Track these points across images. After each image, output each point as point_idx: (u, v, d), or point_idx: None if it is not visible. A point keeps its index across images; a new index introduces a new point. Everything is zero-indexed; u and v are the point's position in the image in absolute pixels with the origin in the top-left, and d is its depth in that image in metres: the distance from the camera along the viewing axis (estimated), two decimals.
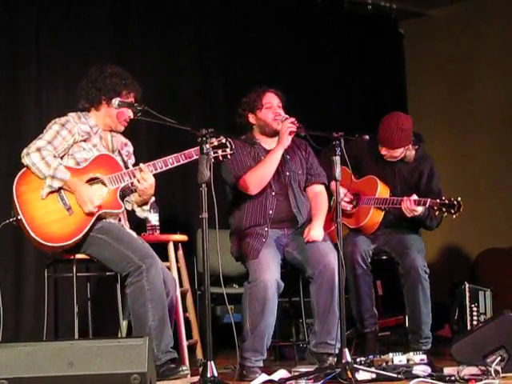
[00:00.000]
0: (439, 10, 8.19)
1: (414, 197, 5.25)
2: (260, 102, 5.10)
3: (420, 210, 5.26)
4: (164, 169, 4.55)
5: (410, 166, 5.56)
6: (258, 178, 4.97)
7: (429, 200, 5.20)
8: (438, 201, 5.17)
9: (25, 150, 4.43)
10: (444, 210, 5.15)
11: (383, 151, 5.50)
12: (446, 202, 5.15)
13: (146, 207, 4.71)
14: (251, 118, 5.14)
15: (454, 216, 5.15)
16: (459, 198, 5.13)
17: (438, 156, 7.49)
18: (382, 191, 5.47)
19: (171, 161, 4.55)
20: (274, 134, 5.10)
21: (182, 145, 4.58)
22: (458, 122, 8.00)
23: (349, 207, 5.50)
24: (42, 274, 4.72)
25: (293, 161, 5.15)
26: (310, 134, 4.94)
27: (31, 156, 4.40)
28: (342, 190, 5.36)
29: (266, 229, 4.96)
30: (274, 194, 5.02)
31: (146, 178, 4.50)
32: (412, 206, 5.23)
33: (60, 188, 4.42)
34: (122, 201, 4.58)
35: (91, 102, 4.62)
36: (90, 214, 4.42)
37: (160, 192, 4.70)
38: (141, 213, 4.72)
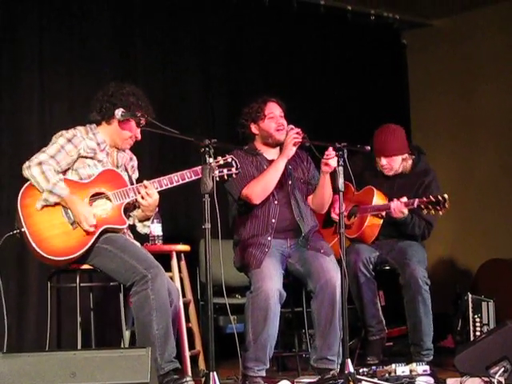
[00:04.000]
0: (442, 21, 8.20)
1: (404, 199, 5.26)
2: (262, 112, 5.10)
3: (406, 212, 5.27)
4: (169, 186, 4.55)
5: (411, 180, 5.54)
6: (261, 188, 4.97)
7: (416, 200, 5.20)
8: (425, 199, 5.17)
9: (26, 163, 4.42)
10: (430, 207, 5.14)
11: (382, 162, 5.51)
12: (433, 199, 5.14)
13: (148, 223, 4.71)
14: (254, 129, 5.14)
15: (441, 213, 5.13)
16: (445, 195, 5.11)
17: (441, 167, 7.51)
18: (379, 199, 5.47)
19: (176, 178, 4.55)
20: (277, 144, 5.10)
21: (183, 156, 4.61)
22: (461, 132, 8.00)
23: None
24: (45, 285, 4.72)
25: (295, 171, 5.15)
26: (314, 144, 4.94)
27: (32, 169, 4.39)
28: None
29: (269, 238, 4.96)
30: (276, 202, 5.03)
31: (150, 194, 4.51)
32: (402, 208, 5.24)
33: (56, 204, 4.40)
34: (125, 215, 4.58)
35: (103, 115, 4.61)
36: (91, 232, 4.42)
37: (163, 202, 4.70)
38: (141, 228, 4.71)
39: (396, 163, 5.53)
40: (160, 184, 4.54)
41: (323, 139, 4.80)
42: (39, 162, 4.41)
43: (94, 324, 5.06)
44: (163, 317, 4.35)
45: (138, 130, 4.64)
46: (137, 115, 4.54)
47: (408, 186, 5.51)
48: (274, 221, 4.99)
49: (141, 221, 4.68)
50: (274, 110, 5.12)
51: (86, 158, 4.55)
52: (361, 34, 7.94)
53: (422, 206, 5.17)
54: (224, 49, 7.18)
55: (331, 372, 4.71)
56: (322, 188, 5.07)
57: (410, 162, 5.56)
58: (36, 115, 6.05)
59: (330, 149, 4.84)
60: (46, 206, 4.40)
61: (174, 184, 4.55)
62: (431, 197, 5.15)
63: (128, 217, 4.64)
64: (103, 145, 4.62)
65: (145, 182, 4.53)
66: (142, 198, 4.51)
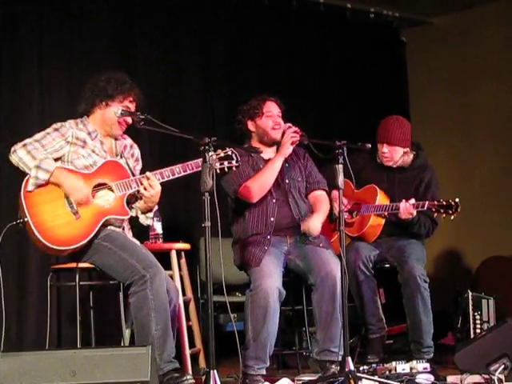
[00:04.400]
0: (441, 18, 8.20)
1: (412, 201, 5.25)
2: (260, 109, 5.10)
3: (414, 213, 5.26)
4: (171, 177, 4.55)
5: (410, 174, 5.56)
6: (258, 186, 4.97)
7: (427, 202, 5.20)
8: (436, 202, 5.17)
9: (11, 149, 4.45)
10: (442, 211, 5.14)
11: (384, 150, 5.50)
12: (444, 203, 5.14)
13: (150, 214, 4.72)
14: (250, 126, 5.15)
15: (453, 217, 5.14)
16: (457, 199, 5.12)
17: (441, 164, 7.51)
18: (382, 199, 5.47)
19: (178, 170, 4.55)
20: (273, 143, 5.11)
21: (183, 152, 4.62)
22: (460, 130, 8.00)
23: (346, 215, 5.48)
24: (45, 283, 4.72)
25: (292, 169, 5.15)
26: (313, 142, 4.94)
27: (17, 152, 4.41)
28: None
29: (268, 237, 4.96)
30: (274, 201, 5.03)
31: (153, 185, 4.51)
32: (410, 210, 5.23)
33: (57, 192, 4.41)
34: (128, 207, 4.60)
35: (86, 105, 4.65)
36: (96, 220, 4.43)
37: (163, 200, 4.70)
38: (144, 220, 4.72)
39: (397, 154, 5.53)
40: (162, 175, 4.55)
41: (323, 136, 4.80)
42: (23, 144, 4.45)
43: (93, 322, 5.07)
44: (162, 317, 4.35)
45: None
46: (136, 114, 4.54)
47: (408, 181, 5.53)
48: (272, 219, 5.00)
49: (143, 212, 4.69)
50: (272, 108, 5.13)
51: (78, 146, 4.56)
52: (360, 32, 7.94)
53: (433, 210, 5.17)
54: (224, 49, 7.18)
55: (331, 370, 4.72)
56: None
57: (410, 156, 5.57)
58: (36, 115, 6.06)
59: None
60: (40, 186, 4.39)
61: (176, 175, 4.55)
62: (442, 201, 5.15)
63: (130, 208, 4.65)
64: (94, 134, 4.63)
65: (147, 174, 4.53)
66: (145, 189, 4.51)
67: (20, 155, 4.41)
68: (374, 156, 5.61)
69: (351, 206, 5.58)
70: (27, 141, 4.46)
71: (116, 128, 4.66)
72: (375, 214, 5.45)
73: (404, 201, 5.26)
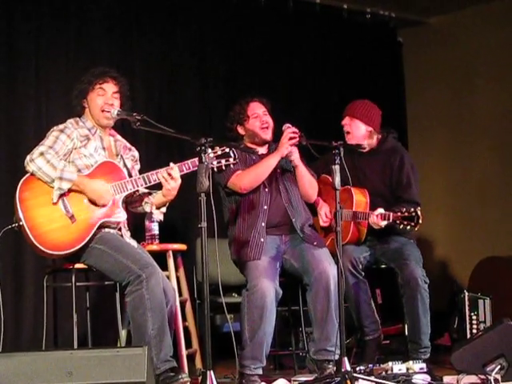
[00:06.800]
0: (438, 19, 8.20)
1: (379, 210, 5.14)
2: (245, 113, 5.17)
3: (384, 223, 5.14)
4: (191, 169, 4.52)
5: (380, 158, 5.46)
6: (250, 178, 5.00)
7: (391, 214, 5.04)
8: (400, 214, 4.99)
9: (28, 157, 4.44)
10: (406, 223, 4.97)
11: (345, 122, 5.45)
12: (406, 214, 4.96)
13: (164, 209, 4.73)
14: (240, 130, 5.21)
15: (416, 228, 4.98)
16: (418, 208, 4.94)
17: (437, 165, 7.54)
18: (359, 199, 5.36)
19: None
20: (264, 142, 5.16)
21: (180, 153, 4.63)
22: (457, 130, 8.00)
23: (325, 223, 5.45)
24: (41, 284, 4.72)
25: (284, 161, 5.16)
26: (311, 143, 4.93)
27: (36, 161, 4.41)
28: (324, 208, 5.36)
29: (263, 224, 4.97)
30: (267, 190, 5.06)
31: (174, 177, 4.51)
32: (379, 222, 5.12)
33: (69, 190, 4.42)
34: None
35: (77, 109, 4.68)
36: (92, 223, 4.44)
37: None
38: (158, 215, 4.73)
39: (357, 129, 5.45)
40: (180, 168, 4.54)
41: (319, 137, 4.80)
42: (41, 152, 4.44)
43: (90, 323, 5.07)
44: (158, 317, 4.35)
45: (103, 99, 4.63)
46: (132, 115, 4.53)
47: (379, 166, 5.45)
48: (265, 207, 5.02)
49: (158, 207, 4.70)
50: (256, 109, 5.18)
51: (81, 146, 4.57)
52: (357, 32, 7.93)
53: (398, 222, 5.01)
54: (223, 49, 7.18)
55: (329, 367, 4.73)
56: (300, 179, 5.11)
57: (375, 138, 5.49)
58: (32, 117, 6.04)
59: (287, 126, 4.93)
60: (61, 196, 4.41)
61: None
62: (405, 211, 4.95)
63: (144, 204, 4.70)
64: (93, 129, 4.66)
65: (171, 165, 4.53)
66: (166, 181, 4.52)
67: (39, 164, 4.41)
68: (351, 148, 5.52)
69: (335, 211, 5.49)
70: (43, 149, 4.46)
71: (101, 116, 4.65)
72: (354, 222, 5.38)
73: (372, 213, 5.16)
